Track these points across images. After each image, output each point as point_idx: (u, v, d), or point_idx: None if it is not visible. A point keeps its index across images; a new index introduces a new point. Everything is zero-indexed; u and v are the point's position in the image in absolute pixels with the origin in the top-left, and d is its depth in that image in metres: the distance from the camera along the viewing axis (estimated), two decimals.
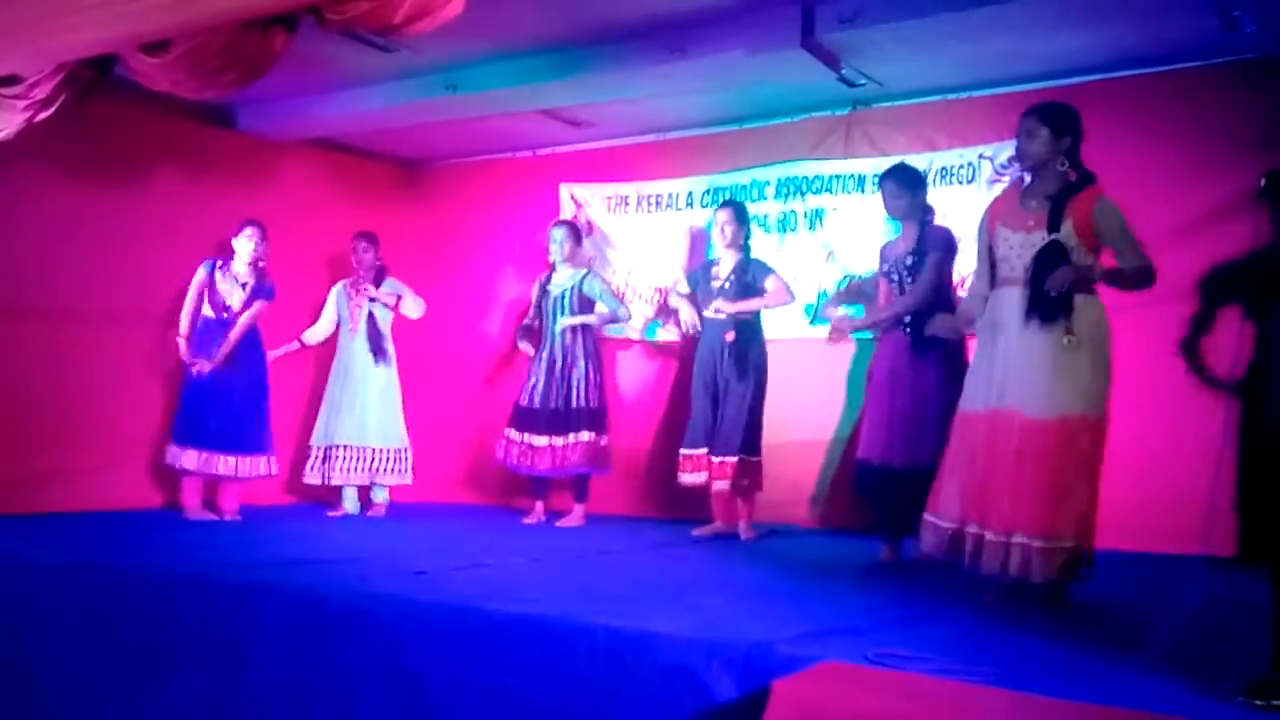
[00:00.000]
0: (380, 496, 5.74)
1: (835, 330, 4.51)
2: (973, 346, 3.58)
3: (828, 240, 5.45)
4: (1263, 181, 2.54)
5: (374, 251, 5.78)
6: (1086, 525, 3.04)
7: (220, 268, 5.33)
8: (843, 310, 4.69)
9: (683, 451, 4.99)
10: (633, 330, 5.85)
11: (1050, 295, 3.04)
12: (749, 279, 4.95)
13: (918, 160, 5.15)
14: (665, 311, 5.76)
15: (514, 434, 5.36)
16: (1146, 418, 4.28)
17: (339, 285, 5.88)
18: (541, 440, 5.28)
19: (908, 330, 4.07)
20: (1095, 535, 3.07)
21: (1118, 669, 2.37)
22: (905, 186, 4.23)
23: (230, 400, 5.23)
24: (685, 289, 5.33)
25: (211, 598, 3.33)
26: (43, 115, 4.14)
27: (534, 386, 5.37)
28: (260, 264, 5.35)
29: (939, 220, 4.35)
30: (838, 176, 5.47)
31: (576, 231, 5.62)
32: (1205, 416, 3.10)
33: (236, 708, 3.17)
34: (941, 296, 4.12)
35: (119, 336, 5.38)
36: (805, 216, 5.48)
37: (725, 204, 5.18)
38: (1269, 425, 2.26)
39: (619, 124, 5.92)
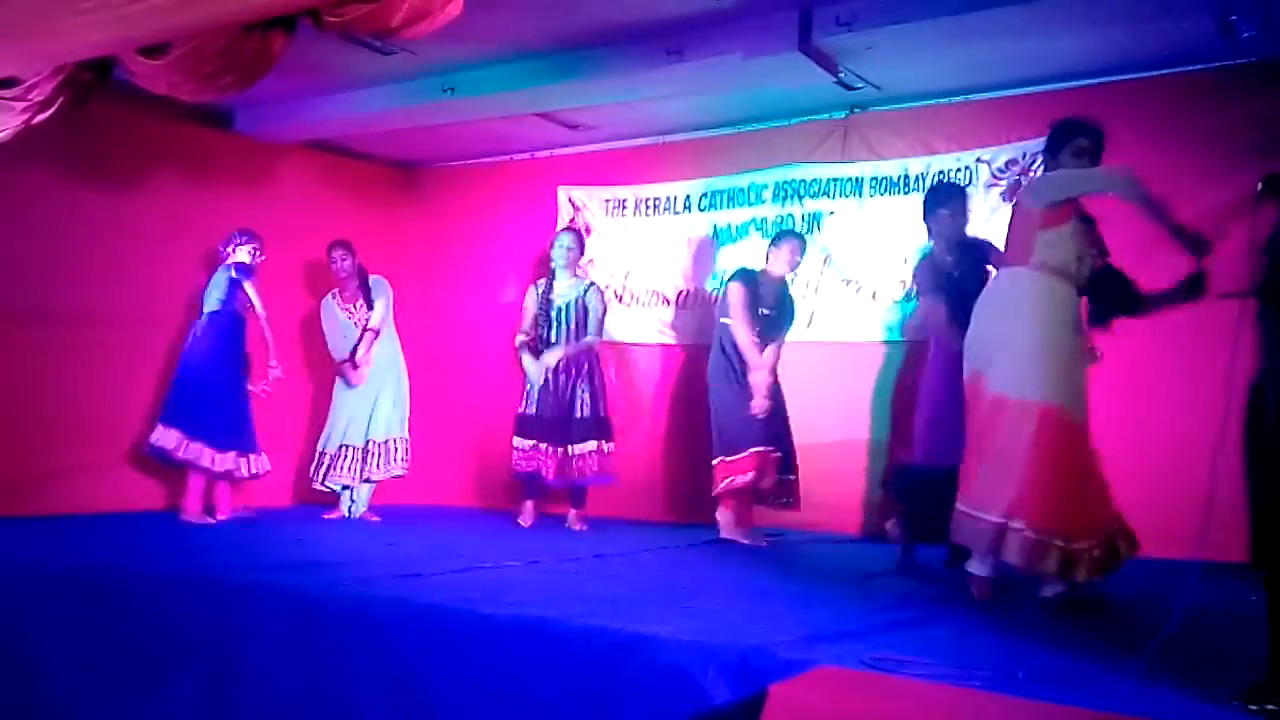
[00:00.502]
0: (361, 500, 5.66)
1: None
2: None
3: (825, 244, 5.45)
4: (1259, 185, 2.54)
5: (351, 259, 5.67)
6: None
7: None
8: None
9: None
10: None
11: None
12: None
13: (915, 164, 5.17)
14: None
15: (522, 442, 5.29)
16: (1143, 422, 4.29)
17: (327, 300, 5.76)
18: (548, 447, 5.22)
19: None
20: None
21: (1114, 674, 2.37)
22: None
23: (223, 397, 5.25)
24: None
25: (209, 600, 3.33)
26: (41, 117, 4.13)
27: (533, 394, 5.31)
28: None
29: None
30: (835, 180, 5.48)
31: (582, 241, 5.59)
32: (1203, 420, 3.10)
33: (234, 710, 3.17)
34: None
35: (116, 338, 5.38)
36: (803, 220, 5.48)
37: (790, 234, 5.05)
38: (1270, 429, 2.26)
39: (617, 127, 5.93)
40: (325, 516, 5.62)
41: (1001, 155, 4.97)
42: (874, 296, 5.34)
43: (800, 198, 5.55)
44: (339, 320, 5.70)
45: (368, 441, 5.65)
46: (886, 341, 5.29)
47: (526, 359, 5.32)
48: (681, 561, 4.30)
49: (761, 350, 4.75)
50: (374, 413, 5.67)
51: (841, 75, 4.80)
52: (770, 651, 2.40)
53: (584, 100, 5.31)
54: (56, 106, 4.12)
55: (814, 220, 5.50)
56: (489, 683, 2.73)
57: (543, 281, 5.43)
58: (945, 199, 4.26)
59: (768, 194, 5.66)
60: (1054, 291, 3.23)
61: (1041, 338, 3.18)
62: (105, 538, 4.48)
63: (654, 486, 5.74)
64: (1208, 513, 2.54)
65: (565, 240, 5.44)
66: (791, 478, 4.82)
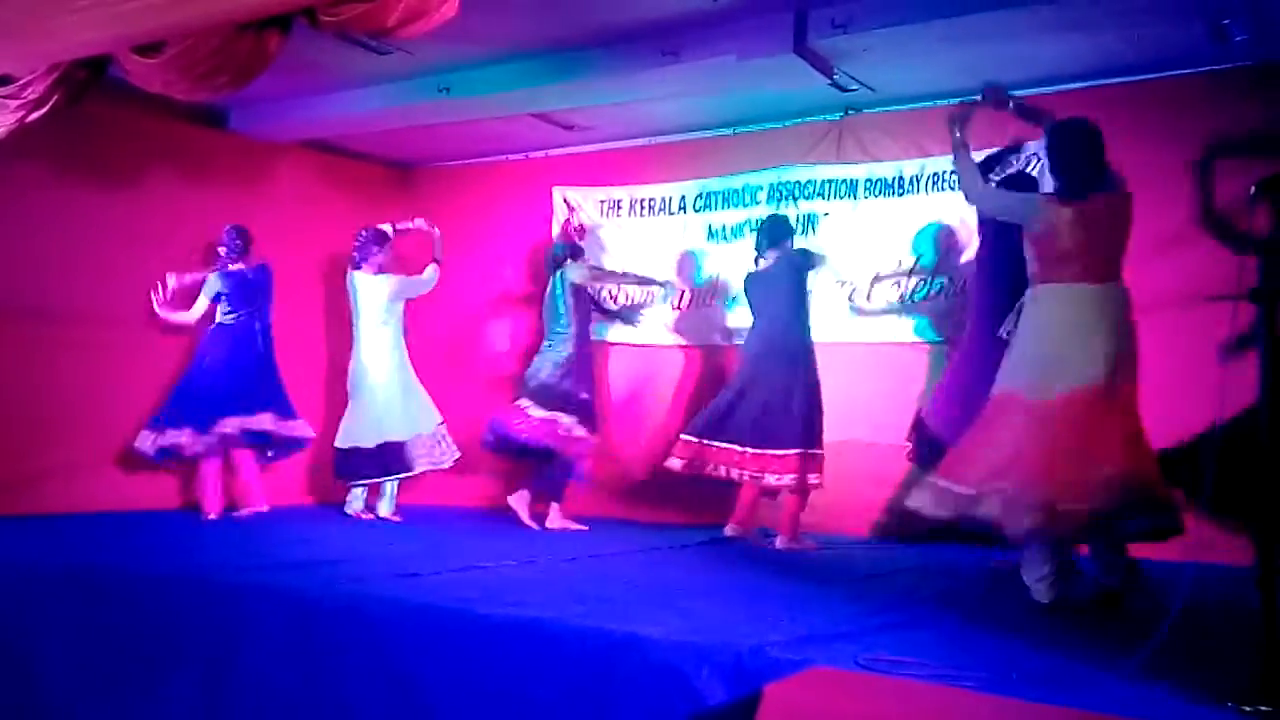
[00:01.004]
0: (387, 499, 5.69)
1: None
2: None
3: (820, 245, 5.46)
4: (1253, 190, 2.55)
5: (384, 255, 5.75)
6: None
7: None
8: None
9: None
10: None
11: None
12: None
13: (909, 166, 5.18)
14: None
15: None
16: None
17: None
18: (538, 412, 5.22)
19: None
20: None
21: (1107, 675, 2.38)
22: None
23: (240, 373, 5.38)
24: None
25: (206, 599, 3.32)
26: (35, 116, 4.13)
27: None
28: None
29: None
30: (830, 181, 5.49)
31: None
32: (1198, 420, 3.12)
33: (230, 710, 3.16)
34: None
35: (110, 337, 5.36)
36: (797, 221, 5.48)
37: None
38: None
39: (612, 128, 5.93)
40: (353, 514, 5.63)
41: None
42: (868, 298, 5.35)
43: (795, 199, 5.56)
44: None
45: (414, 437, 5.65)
46: (884, 343, 5.30)
47: None
48: (678, 562, 4.30)
49: None
50: (402, 410, 5.66)
51: (836, 77, 4.81)
52: (764, 652, 2.41)
53: (579, 101, 5.31)
54: (51, 105, 4.12)
55: (809, 222, 5.52)
56: (484, 683, 2.74)
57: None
58: None
59: (763, 195, 5.67)
60: (1035, 297, 3.39)
61: (1017, 336, 3.41)
62: (100, 537, 4.48)
63: (651, 488, 5.74)
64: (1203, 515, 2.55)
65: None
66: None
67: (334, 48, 4.67)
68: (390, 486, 5.70)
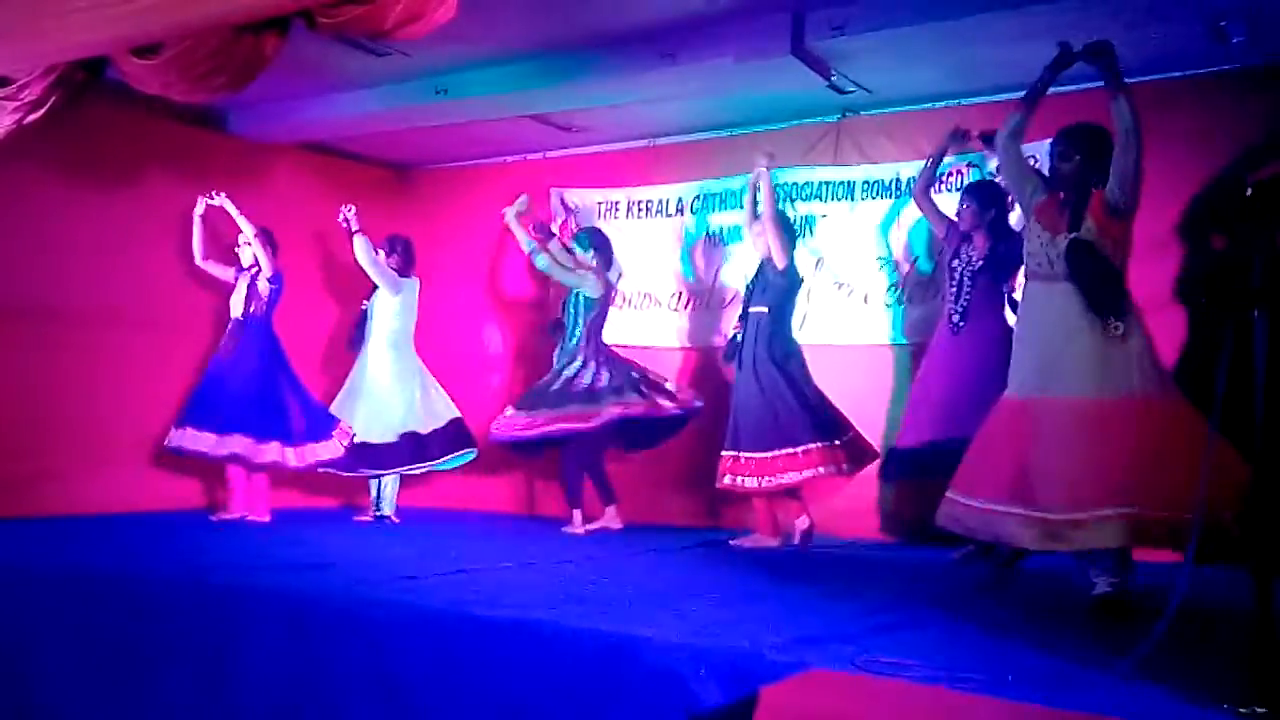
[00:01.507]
0: (387, 499, 5.72)
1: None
2: None
3: (817, 247, 5.47)
4: (1248, 191, 2.56)
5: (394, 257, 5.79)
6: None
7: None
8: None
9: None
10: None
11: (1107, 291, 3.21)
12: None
13: (907, 168, 5.19)
14: None
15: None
16: None
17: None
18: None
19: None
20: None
21: (1103, 676, 2.38)
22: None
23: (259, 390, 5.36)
24: None
25: (200, 602, 3.32)
26: (33, 117, 4.12)
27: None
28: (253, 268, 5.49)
29: None
30: (827, 184, 5.50)
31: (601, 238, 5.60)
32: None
33: (225, 712, 3.16)
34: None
35: (109, 338, 5.36)
36: (795, 223, 5.48)
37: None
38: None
39: (610, 129, 5.93)
40: (356, 519, 5.66)
41: (992, 160, 4.98)
42: (865, 300, 5.35)
43: (792, 201, 5.56)
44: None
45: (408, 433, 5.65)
46: (880, 345, 5.31)
47: None
48: (674, 564, 4.31)
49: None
50: (410, 405, 5.68)
51: (833, 79, 4.81)
52: (761, 654, 2.41)
53: (577, 103, 5.31)
54: (49, 106, 4.11)
55: (806, 224, 5.52)
56: (480, 685, 2.73)
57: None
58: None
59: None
60: (1027, 294, 3.45)
61: (1016, 336, 3.46)
62: (97, 538, 4.47)
63: (647, 488, 5.74)
64: (1198, 514, 2.55)
65: (553, 246, 5.55)
66: None
67: (332, 50, 4.67)
68: (392, 488, 5.71)
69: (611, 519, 5.32)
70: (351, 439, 5.49)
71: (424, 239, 6.62)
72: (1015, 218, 4.47)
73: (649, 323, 5.99)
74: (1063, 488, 3.09)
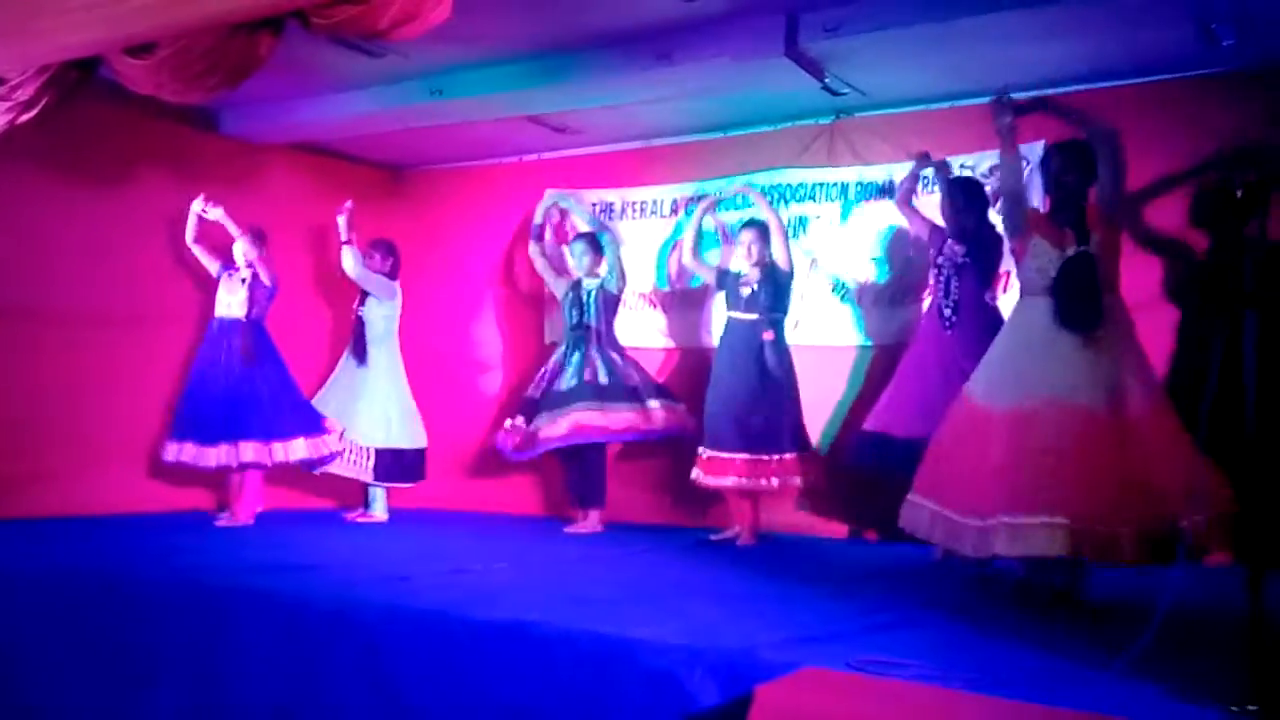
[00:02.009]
0: (378, 501, 5.73)
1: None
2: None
3: (811, 248, 5.47)
4: (1239, 193, 2.58)
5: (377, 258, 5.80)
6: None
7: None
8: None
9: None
10: None
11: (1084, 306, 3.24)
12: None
13: (900, 170, 5.20)
14: None
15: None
16: None
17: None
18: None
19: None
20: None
21: (1097, 674, 2.39)
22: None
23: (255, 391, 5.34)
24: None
25: (195, 604, 3.32)
26: (25, 117, 4.11)
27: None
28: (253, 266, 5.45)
29: None
30: (821, 185, 5.51)
31: (597, 243, 5.61)
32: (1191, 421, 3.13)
33: (219, 715, 3.15)
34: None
35: (102, 338, 5.34)
36: (789, 224, 5.49)
37: (749, 224, 5.13)
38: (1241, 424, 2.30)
39: (604, 130, 5.93)
40: (347, 518, 5.68)
41: (985, 161, 5.00)
42: (859, 301, 5.36)
43: (786, 202, 5.57)
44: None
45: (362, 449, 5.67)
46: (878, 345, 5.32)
47: None
48: (669, 564, 4.31)
49: None
50: (358, 417, 5.67)
51: (827, 80, 4.82)
52: (756, 653, 2.41)
53: (572, 103, 5.31)
54: (41, 106, 4.10)
55: (800, 224, 5.52)
56: (474, 687, 2.74)
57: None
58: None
59: (754, 197, 5.67)
60: (1023, 309, 3.44)
61: (999, 347, 3.45)
62: (92, 540, 4.46)
63: (644, 490, 5.74)
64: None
65: (578, 248, 5.55)
66: None
67: (326, 50, 4.67)
68: (380, 491, 5.74)
69: (595, 523, 5.33)
70: (342, 435, 5.54)
71: (418, 240, 6.63)
72: (994, 213, 4.50)
73: (642, 323, 5.99)
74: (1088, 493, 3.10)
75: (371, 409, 5.67)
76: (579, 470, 5.41)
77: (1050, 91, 4.76)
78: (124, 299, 5.45)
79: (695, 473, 4.96)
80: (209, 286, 5.56)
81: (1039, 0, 3.97)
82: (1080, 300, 3.25)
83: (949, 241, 4.57)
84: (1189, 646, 2.61)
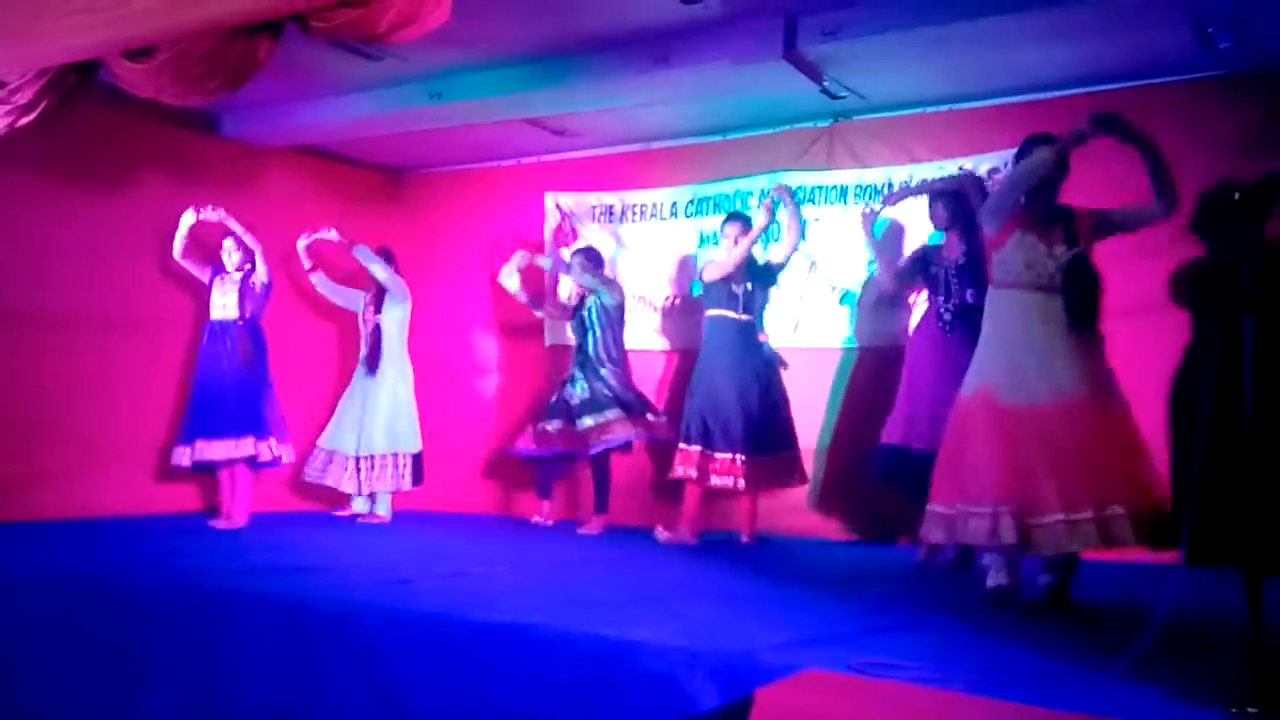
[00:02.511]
0: (383, 505, 5.75)
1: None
2: None
3: (810, 251, 5.48)
4: (1236, 196, 2.59)
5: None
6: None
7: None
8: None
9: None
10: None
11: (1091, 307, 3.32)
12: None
13: (898, 172, 5.21)
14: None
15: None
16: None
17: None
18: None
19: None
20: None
21: (1096, 677, 2.39)
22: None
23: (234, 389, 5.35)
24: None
25: (194, 607, 3.31)
26: (24, 120, 4.11)
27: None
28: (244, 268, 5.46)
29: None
30: (820, 188, 5.51)
31: (595, 254, 5.63)
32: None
33: (219, 718, 3.15)
34: None
35: (101, 341, 5.34)
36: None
37: (732, 216, 5.18)
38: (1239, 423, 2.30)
39: (603, 133, 5.94)
40: (338, 514, 5.72)
41: (983, 164, 5.01)
42: (858, 302, 5.37)
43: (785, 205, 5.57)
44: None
45: (366, 457, 5.68)
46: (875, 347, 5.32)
47: None
48: (669, 566, 4.31)
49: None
50: (369, 425, 5.69)
51: (826, 83, 4.83)
52: (756, 656, 2.42)
53: (571, 106, 5.32)
54: (41, 109, 4.09)
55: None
56: (474, 689, 2.73)
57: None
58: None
59: (753, 201, 5.67)
60: (1003, 301, 3.44)
61: (985, 336, 3.45)
62: (90, 542, 4.46)
63: (644, 492, 5.74)
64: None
65: (575, 261, 5.58)
66: None
67: (325, 53, 4.67)
68: (385, 495, 5.77)
69: (596, 525, 5.36)
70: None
71: (417, 243, 6.64)
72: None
73: (641, 326, 5.99)
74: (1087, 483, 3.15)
75: (398, 416, 5.73)
76: (597, 475, 5.45)
77: (1049, 95, 4.81)
78: (123, 302, 5.46)
79: (685, 470, 4.93)
80: (203, 288, 5.57)
81: (1037, 4, 3.99)
82: (1087, 301, 3.32)
83: (941, 249, 4.57)
84: (1188, 649, 2.61)
